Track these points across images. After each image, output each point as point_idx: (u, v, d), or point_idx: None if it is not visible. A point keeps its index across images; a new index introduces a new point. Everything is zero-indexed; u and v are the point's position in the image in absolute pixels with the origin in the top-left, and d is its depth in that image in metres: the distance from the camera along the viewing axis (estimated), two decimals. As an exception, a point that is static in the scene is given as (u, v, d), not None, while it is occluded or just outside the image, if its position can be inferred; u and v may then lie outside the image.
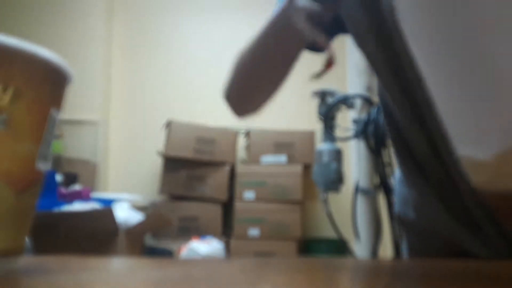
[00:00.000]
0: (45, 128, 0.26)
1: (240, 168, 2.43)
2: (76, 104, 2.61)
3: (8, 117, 0.23)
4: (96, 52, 2.77)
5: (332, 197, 2.53)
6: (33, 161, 0.25)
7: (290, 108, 2.92)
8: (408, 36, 0.34)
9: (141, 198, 2.37)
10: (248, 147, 2.53)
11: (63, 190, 1.96)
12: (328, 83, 2.89)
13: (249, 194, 2.38)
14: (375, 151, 0.93)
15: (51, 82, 0.26)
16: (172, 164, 2.46)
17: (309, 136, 2.52)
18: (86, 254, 0.33)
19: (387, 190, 0.92)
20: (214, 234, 2.32)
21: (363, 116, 0.97)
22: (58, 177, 2.08)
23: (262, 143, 2.50)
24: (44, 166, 0.27)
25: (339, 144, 1.00)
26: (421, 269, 0.28)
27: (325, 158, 0.95)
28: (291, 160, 2.46)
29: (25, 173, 0.25)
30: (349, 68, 2.93)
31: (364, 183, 0.98)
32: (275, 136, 2.52)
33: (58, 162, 2.36)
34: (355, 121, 1.01)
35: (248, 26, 3.00)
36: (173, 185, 2.45)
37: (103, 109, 2.78)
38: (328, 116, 1.00)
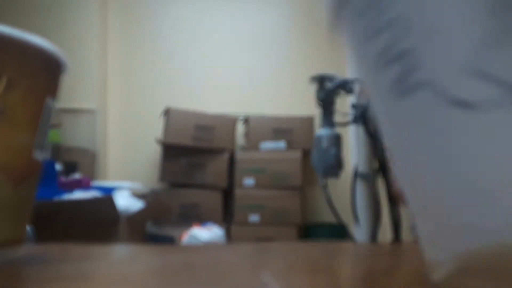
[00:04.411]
0: (41, 118, 0.26)
1: (239, 155, 2.44)
2: (73, 93, 2.59)
3: (3, 107, 0.23)
4: (92, 39, 2.74)
5: (331, 182, 2.54)
6: (29, 151, 0.25)
7: (289, 94, 2.91)
8: None
9: (141, 186, 2.38)
10: (247, 134, 2.52)
11: (63, 179, 1.96)
12: (326, 67, 2.88)
13: (248, 181, 2.39)
14: (374, 135, 0.93)
15: (45, 71, 0.26)
16: (172, 151, 2.46)
17: (308, 121, 2.51)
18: (88, 242, 0.33)
19: (386, 175, 0.92)
20: (214, 220, 2.34)
21: (362, 100, 0.97)
22: (58, 166, 2.08)
23: (261, 130, 2.50)
24: (41, 156, 0.26)
25: (338, 129, 1.00)
26: (419, 251, 0.29)
27: (324, 144, 0.95)
28: (290, 146, 2.46)
29: (22, 164, 0.25)
30: (348, 52, 2.91)
31: (363, 167, 0.98)
32: (274, 122, 2.51)
33: (57, 151, 2.36)
34: (354, 106, 1.00)
35: (244, 14, 2.97)
36: (172, 173, 2.46)
37: (100, 97, 2.77)
38: (327, 101, 0.99)
